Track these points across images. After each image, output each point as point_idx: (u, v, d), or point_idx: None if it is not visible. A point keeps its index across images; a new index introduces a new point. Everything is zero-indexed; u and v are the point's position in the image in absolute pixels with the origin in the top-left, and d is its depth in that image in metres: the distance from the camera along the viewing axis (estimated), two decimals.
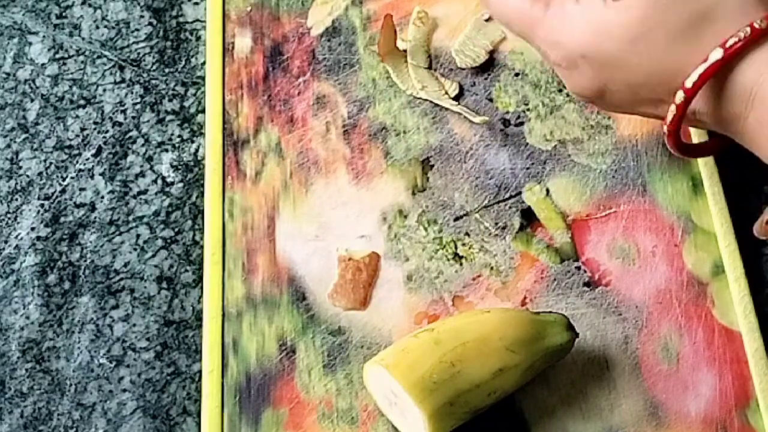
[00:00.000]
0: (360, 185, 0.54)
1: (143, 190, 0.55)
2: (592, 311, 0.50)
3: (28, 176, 0.56)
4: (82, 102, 0.57)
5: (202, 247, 0.53)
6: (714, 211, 0.51)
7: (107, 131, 0.57)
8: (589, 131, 0.54)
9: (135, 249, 0.53)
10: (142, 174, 0.55)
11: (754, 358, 0.48)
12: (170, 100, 0.57)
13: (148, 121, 0.57)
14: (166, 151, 0.56)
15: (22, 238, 0.54)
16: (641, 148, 0.53)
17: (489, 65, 0.56)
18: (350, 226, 0.53)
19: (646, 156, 0.53)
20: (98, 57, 0.59)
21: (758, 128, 0.40)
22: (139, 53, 0.59)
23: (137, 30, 0.59)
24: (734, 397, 0.48)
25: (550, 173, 0.53)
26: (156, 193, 0.55)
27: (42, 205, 0.55)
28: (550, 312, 0.48)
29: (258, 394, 0.49)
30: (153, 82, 0.58)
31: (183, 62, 0.58)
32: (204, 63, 0.58)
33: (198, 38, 0.59)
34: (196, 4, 0.60)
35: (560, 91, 0.55)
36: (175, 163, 0.56)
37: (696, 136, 0.53)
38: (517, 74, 0.56)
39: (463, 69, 0.56)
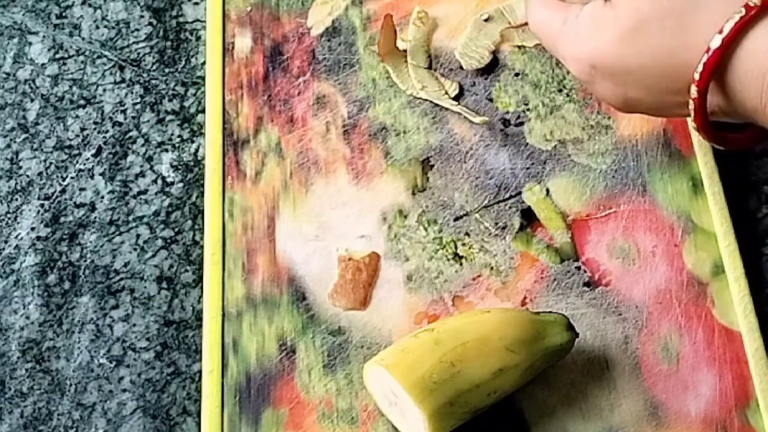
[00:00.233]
0: (360, 185, 0.54)
1: (143, 190, 0.55)
2: (592, 311, 0.50)
3: (28, 176, 0.56)
4: (82, 102, 0.57)
5: (202, 247, 0.53)
6: (714, 211, 0.51)
7: (107, 131, 0.57)
8: (589, 131, 0.54)
9: (135, 249, 0.53)
10: (142, 174, 0.55)
11: (754, 358, 0.48)
12: (170, 100, 0.57)
13: (148, 121, 0.57)
14: (166, 151, 0.56)
15: (22, 238, 0.54)
16: (641, 148, 0.53)
17: (493, 66, 0.56)
18: (350, 226, 0.53)
19: (646, 156, 0.53)
20: (98, 57, 0.59)
21: None
22: (139, 53, 0.59)
23: (137, 30, 0.59)
24: (734, 397, 0.48)
25: (550, 173, 0.53)
26: (156, 193, 0.55)
27: (42, 205, 0.55)
28: (550, 312, 0.48)
29: (258, 394, 0.49)
30: (153, 82, 0.58)
31: (183, 62, 0.58)
32: (204, 63, 0.58)
33: (198, 38, 0.59)
34: (196, 4, 0.60)
35: (560, 91, 0.55)
36: (175, 163, 0.56)
37: (695, 138, 0.53)
38: (517, 74, 0.56)
39: (464, 69, 0.56)
